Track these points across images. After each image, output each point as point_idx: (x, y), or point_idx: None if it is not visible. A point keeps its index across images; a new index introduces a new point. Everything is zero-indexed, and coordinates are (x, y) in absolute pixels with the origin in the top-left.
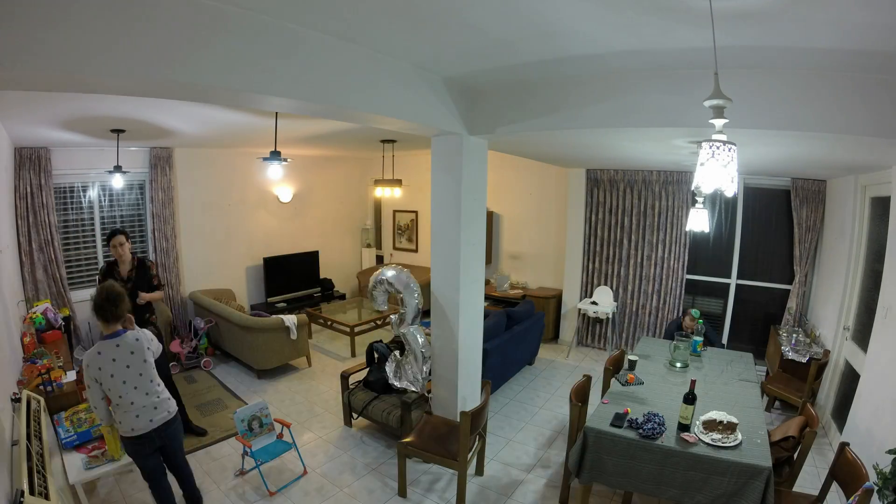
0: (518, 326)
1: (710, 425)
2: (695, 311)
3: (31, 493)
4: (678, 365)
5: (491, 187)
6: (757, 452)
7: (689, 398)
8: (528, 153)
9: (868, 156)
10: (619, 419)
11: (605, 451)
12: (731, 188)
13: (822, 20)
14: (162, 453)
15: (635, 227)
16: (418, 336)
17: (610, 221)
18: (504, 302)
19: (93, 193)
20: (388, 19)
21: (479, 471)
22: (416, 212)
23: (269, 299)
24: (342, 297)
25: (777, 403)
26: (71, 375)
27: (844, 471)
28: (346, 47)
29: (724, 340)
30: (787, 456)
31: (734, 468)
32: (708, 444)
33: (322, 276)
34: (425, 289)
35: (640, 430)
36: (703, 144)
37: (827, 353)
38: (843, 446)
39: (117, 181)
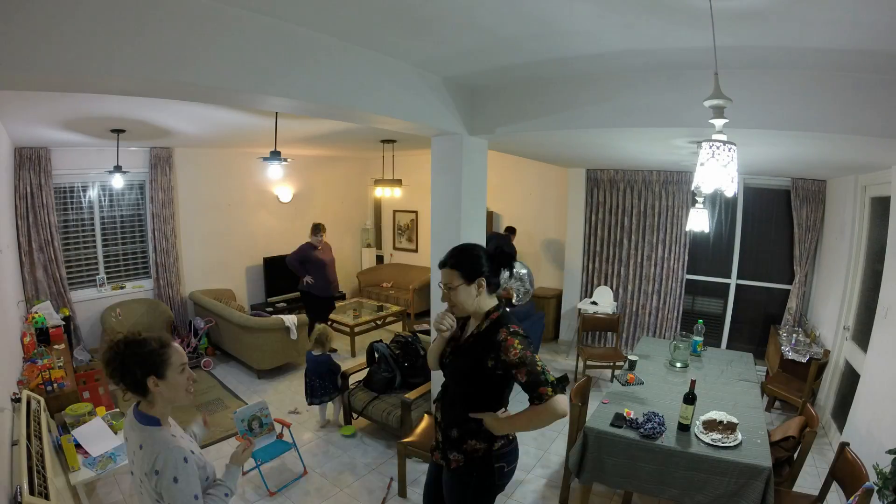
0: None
1: (710, 425)
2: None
3: (31, 492)
4: (678, 365)
5: (491, 187)
6: (757, 452)
7: (689, 398)
8: (528, 153)
9: (868, 156)
10: (618, 419)
11: (605, 452)
12: (731, 188)
13: (823, 20)
14: None
15: (635, 227)
16: None
17: (610, 221)
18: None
19: (93, 193)
20: (388, 19)
21: None
22: (416, 212)
23: (269, 299)
24: (342, 296)
25: (777, 403)
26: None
27: (844, 471)
28: (346, 47)
29: (725, 340)
30: (787, 456)
31: (734, 468)
32: (708, 445)
33: None
34: (425, 289)
35: (641, 430)
36: (703, 144)
37: (827, 352)
38: (843, 446)
39: (117, 181)
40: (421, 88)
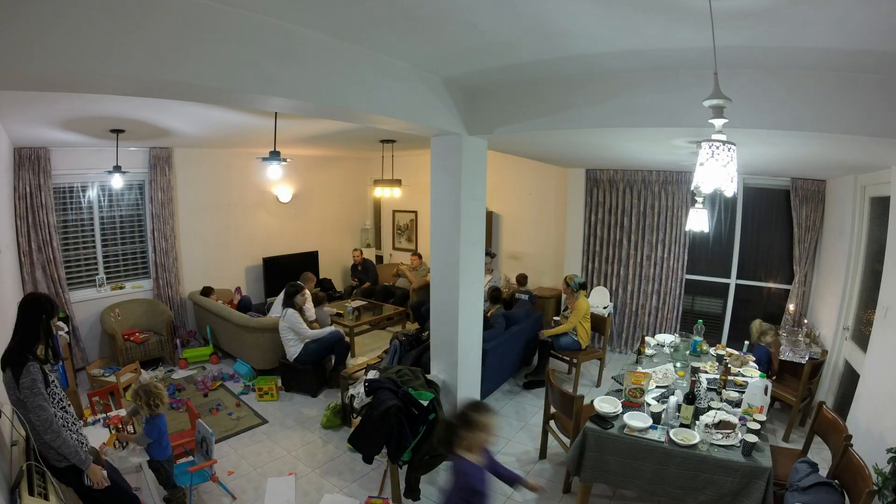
0: (516, 326)
1: (711, 424)
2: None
3: (31, 493)
4: (678, 365)
5: (491, 187)
6: (758, 452)
7: (689, 398)
8: (527, 153)
9: (868, 156)
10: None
11: (607, 451)
12: (730, 188)
13: (823, 20)
14: None
15: (635, 227)
16: None
17: (609, 221)
18: (504, 302)
19: (92, 193)
20: (388, 19)
21: None
22: (415, 212)
23: (268, 299)
24: (341, 297)
25: (777, 403)
26: None
27: (824, 426)
28: (346, 47)
29: (724, 340)
30: None
31: (736, 468)
32: (709, 444)
33: (321, 276)
34: (424, 289)
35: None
36: (703, 144)
37: (824, 352)
38: (821, 404)
39: (117, 181)
40: (420, 88)
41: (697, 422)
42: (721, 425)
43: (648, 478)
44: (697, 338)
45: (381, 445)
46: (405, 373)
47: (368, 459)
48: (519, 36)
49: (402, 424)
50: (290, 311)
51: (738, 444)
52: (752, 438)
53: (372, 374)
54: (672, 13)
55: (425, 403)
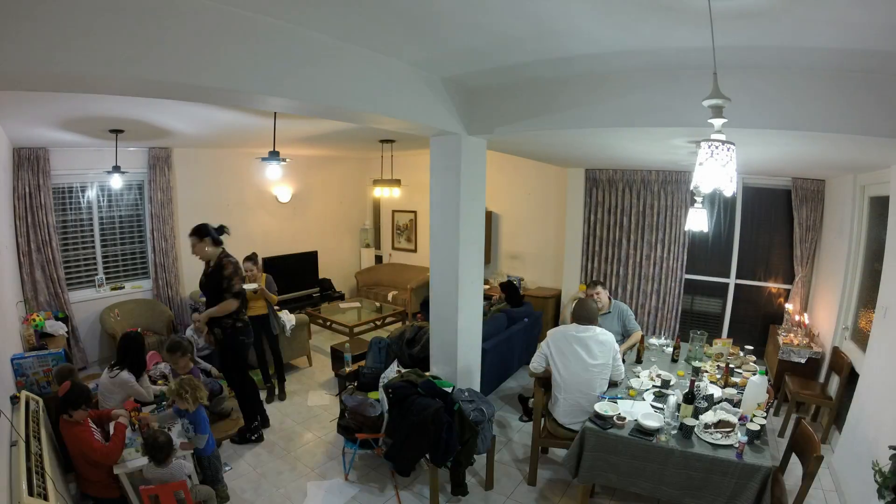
0: (516, 325)
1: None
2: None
3: (31, 493)
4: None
5: (490, 187)
6: (757, 452)
7: (689, 398)
8: (527, 153)
9: (867, 156)
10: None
11: (606, 451)
12: (729, 188)
13: (822, 20)
14: None
15: (634, 227)
16: None
17: (609, 221)
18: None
19: (91, 194)
20: (387, 20)
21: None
22: (414, 212)
23: None
24: (341, 296)
25: (774, 402)
26: None
27: (801, 442)
28: (345, 47)
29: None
30: None
31: (734, 468)
32: (709, 444)
33: (321, 276)
34: (423, 288)
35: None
36: (702, 144)
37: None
38: (799, 420)
39: (116, 181)
40: (420, 88)
41: (697, 421)
42: (720, 425)
43: (647, 478)
44: (697, 346)
45: (424, 453)
46: (411, 374)
47: (407, 472)
48: (519, 36)
49: (451, 427)
50: None
51: (736, 445)
52: (743, 438)
53: (386, 378)
54: (672, 13)
55: (449, 390)
